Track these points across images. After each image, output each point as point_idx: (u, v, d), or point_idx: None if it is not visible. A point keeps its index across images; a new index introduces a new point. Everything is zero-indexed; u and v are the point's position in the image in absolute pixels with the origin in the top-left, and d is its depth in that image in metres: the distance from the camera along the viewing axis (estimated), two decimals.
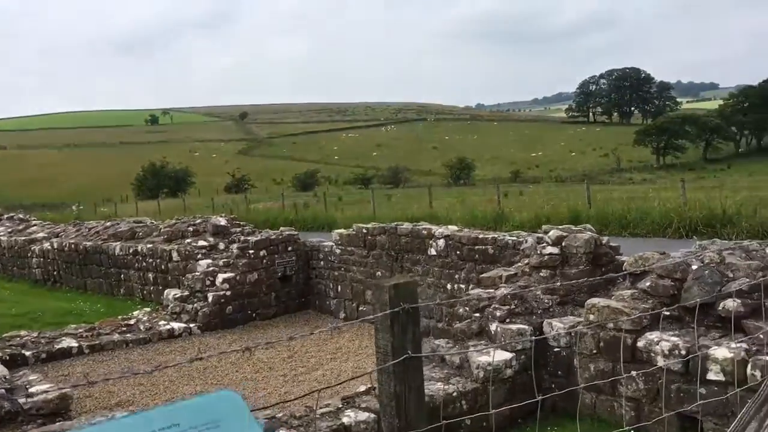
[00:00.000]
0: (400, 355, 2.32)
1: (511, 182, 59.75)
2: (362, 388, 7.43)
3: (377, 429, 6.50)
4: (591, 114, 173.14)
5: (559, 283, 8.03)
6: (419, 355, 2.36)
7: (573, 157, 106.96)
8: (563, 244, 8.53)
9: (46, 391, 8.09)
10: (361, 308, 13.13)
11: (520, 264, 9.13)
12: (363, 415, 6.61)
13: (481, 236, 11.01)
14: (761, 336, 5.62)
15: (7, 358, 10.49)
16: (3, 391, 8.03)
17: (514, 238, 10.43)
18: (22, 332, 11.95)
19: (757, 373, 5.28)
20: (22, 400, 7.83)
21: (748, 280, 6.15)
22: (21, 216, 25.80)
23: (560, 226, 9.08)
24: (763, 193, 19.86)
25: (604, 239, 8.99)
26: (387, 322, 2.32)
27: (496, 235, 10.93)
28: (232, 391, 1.63)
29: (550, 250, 8.55)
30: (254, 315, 13.67)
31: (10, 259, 20.87)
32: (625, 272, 7.43)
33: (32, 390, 8.21)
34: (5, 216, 25.85)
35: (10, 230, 22.81)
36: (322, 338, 12.14)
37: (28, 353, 10.89)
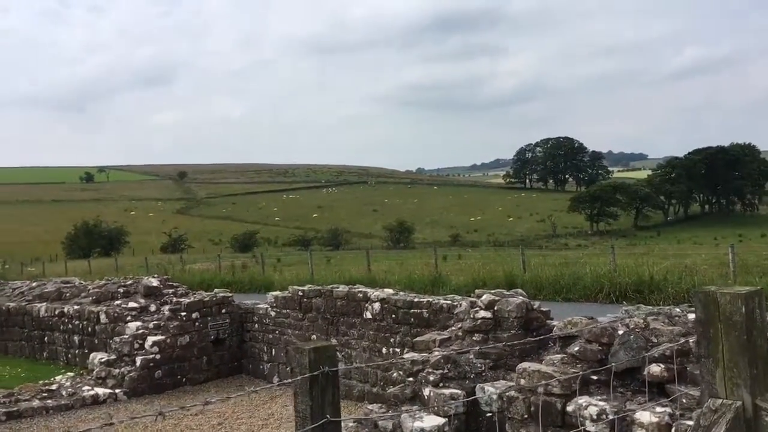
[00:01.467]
0: (319, 419, 2.29)
1: (450, 246, 60.46)
2: None
3: None
4: (528, 180, 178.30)
5: (492, 345, 8.09)
6: (338, 419, 2.34)
7: (510, 222, 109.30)
8: (495, 308, 8.63)
9: None
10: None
11: (453, 328, 9.17)
12: None
13: (416, 300, 11.04)
14: (684, 400, 5.76)
15: None
16: None
17: (449, 302, 10.50)
18: None
19: None
20: None
21: (671, 345, 6.33)
22: None
23: (493, 291, 9.20)
24: (689, 260, 20.63)
25: (536, 304, 9.13)
26: (306, 385, 2.30)
27: (431, 299, 10.98)
28: None
29: (482, 314, 8.64)
30: (184, 380, 13.23)
31: None
32: (554, 335, 7.55)
33: None
34: None
35: None
36: (254, 404, 11.82)
37: None
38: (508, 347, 8.16)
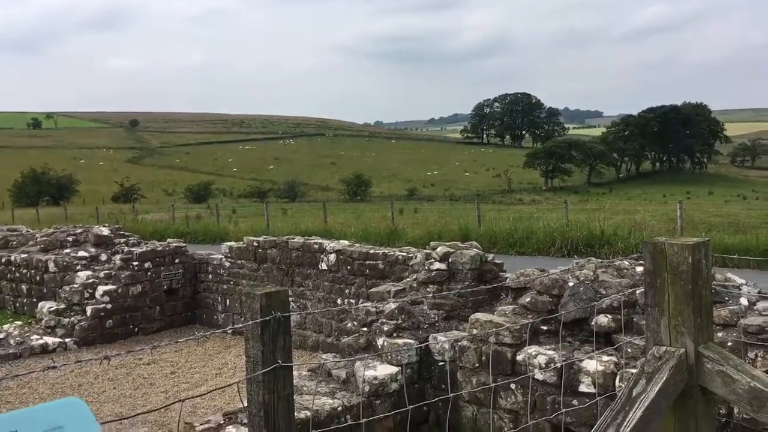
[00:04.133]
0: (270, 364, 2.28)
1: (407, 200, 60.63)
2: (246, 403, 7.27)
3: None
4: (485, 136, 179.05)
5: (445, 294, 8.19)
6: (289, 365, 2.33)
7: (467, 177, 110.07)
8: (450, 260, 8.71)
9: None
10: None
11: (409, 279, 9.25)
12: (244, 431, 6.46)
13: (372, 252, 11.08)
14: (629, 350, 5.94)
15: None
16: None
17: (404, 254, 10.57)
18: None
19: (624, 386, 5.57)
20: None
21: (618, 296, 6.50)
22: None
23: (448, 243, 9.27)
24: (639, 216, 21.11)
25: (490, 256, 9.25)
26: (258, 330, 2.28)
27: (386, 251, 11.04)
28: (77, 398, 1.54)
29: (437, 266, 8.71)
30: (137, 329, 13.12)
31: None
32: (507, 286, 7.68)
33: None
34: None
35: None
36: (208, 353, 11.81)
37: None
38: (461, 298, 8.27)
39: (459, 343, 7.14)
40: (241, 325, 2.23)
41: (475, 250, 8.91)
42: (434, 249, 8.99)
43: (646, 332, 3.41)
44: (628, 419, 2.42)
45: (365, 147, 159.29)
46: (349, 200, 64.05)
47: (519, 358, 6.53)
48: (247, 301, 2.31)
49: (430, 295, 8.36)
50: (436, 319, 8.16)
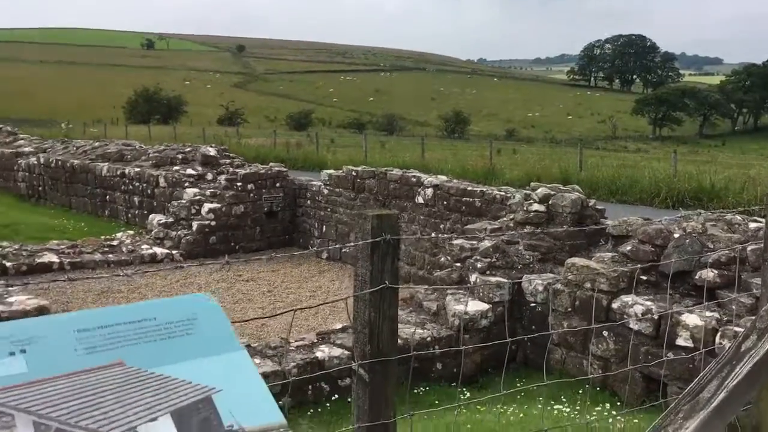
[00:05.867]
0: (378, 284, 2.34)
1: (505, 140, 59.55)
2: (338, 326, 7.54)
3: (349, 365, 6.61)
4: (593, 78, 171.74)
5: (542, 238, 8.10)
6: (396, 287, 2.38)
7: (570, 121, 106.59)
8: (550, 202, 8.56)
9: (24, 301, 8.14)
10: (344, 250, 13.21)
11: (505, 219, 9.18)
12: (336, 351, 6.72)
13: (469, 188, 11.02)
14: (733, 307, 5.72)
15: None
16: None
17: (502, 193, 10.46)
18: (4, 243, 11.93)
19: (726, 343, 5.39)
20: (1, 307, 7.88)
21: (727, 252, 6.23)
22: (9, 129, 25.45)
23: (548, 185, 9.10)
24: (753, 171, 19.95)
25: (591, 202, 9.03)
26: (368, 250, 2.33)
27: (484, 189, 10.95)
28: (204, 294, 1.64)
29: (536, 207, 8.59)
30: (237, 247, 13.71)
31: None
32: (607, 233, 7.50)
33: (10, 299, 8.25)
34: None
35: None
36: (303, 276, 12.24)
37: (8, 264, 10.90)
38: (558, 241, 8.15)
39: (553, 286, 7.08)
40: (352, 243, 2.28)
41: (577, 193, 8.71)
42: (534, 190, 8.85)
43: (762, 288, 3.26)
44: (734, 373, 2.35)
45: (466, 84, 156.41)
46: (447, 137, 63.53)
47: (614, 305, 6.43)
48: (359, 222, 2.37)
49: (527, 236, 8.28)
50: (531, 260, 8.10)
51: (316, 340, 7.01)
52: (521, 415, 4.91)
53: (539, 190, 8.71)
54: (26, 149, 20.54)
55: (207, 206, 13.45)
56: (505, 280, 7.61)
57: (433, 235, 11.10)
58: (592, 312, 6.49)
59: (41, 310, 7.97)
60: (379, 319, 2.36)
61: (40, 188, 18.68)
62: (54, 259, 11.46)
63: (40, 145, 21.10)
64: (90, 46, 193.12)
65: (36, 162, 18.86)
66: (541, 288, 7.30)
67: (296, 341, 7.00)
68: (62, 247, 12.22)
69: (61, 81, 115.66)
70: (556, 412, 4.90)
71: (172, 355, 1.47)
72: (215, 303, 1.62)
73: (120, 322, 1.48)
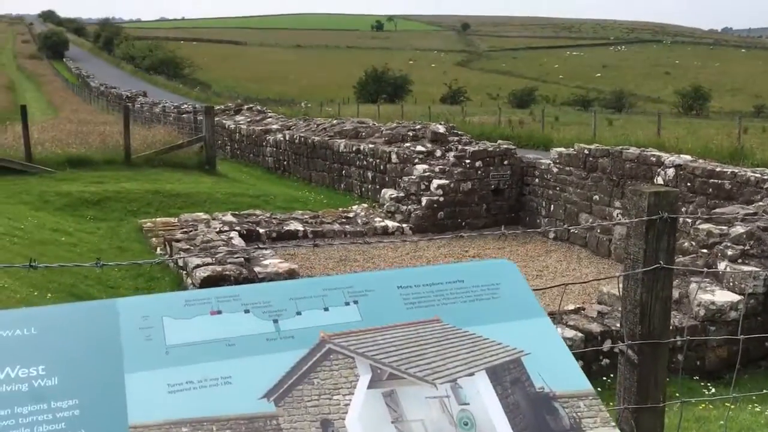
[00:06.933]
0: (652, 263, 2.26)
1: (753, 117, 53.77)
2: (570, 307, 7.40)
3: (583, 348, 6.47)
4: None
5: None
6: (671, 267, 2.29)
7: None
8: None
9: (277, 264, 9.00)
10: (572, 230, 12.88)
11: (761, 203, 8.34)
12: (569, 333, 6.61)
13: (717, 169, 10.15)
14: None
15: (245, 232, 11.75)
16: (242, 259, 9.07)
17: (758, 175, 9.50)
18: (257, 212, 13.27)
19: None
20: (257, 269, 8.80)
21: None
22: (259, 108, 28.10)
23: None
24: None
25: None
26: (642, 228, 2.26)
27: (736, 170, 10.02)
28: (508, 261, 1.71)
29: None
30: (464, 223, 13.94)
31: (247, 146, 23.01)
32: None
33: (265, 262, 9.18)
34: (245, 107, 28.31)
35: (248, 120, 25.02)
36: (529, 255, 12.14)
37: (261, 230, 12.10)
38: None
39: None
40: (626, 220, 2.24)
41: None
42: None
43: None
44: None
45: (708, 56, 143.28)
46: (684, 114, 58.90)
47: None
48: (633, 198, 2.30)
49: None
50: None
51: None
52: None
53: None
54: (273, 126, 22.55)
55: (436, 182, 13.82)
56: (761, 271, 6.94)
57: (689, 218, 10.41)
58: None
59: (291, 273, 8.77)
60: (652, 300, 2.29)
61: (285, 162, 20.43)
62: (299, 227, 12.51)
63: (285, 123, 23.04)
64: (326, 30, 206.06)
65: (282, 138, 20.63)
66: None
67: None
68: (306, 216, 13.29)
69: (301, 64, 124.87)
70: None
71: (481, 316, 1.56)
72: (517, 270, 1.69)
73: (435, 282, 1.60)
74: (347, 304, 1.53)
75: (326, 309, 1.52)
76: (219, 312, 1.47)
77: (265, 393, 1.34)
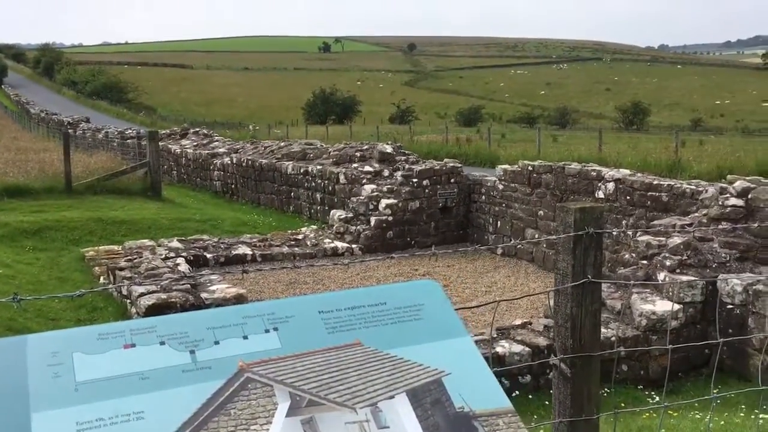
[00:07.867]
0: (580, 278, 2.30)
1: (690, 131, 55.64)
2: (518, 322, 7.48)
3: (530, 362, 6.54)
4: None
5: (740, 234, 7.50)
6: (599, 281, 2.33)
7: (765, 108, 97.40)
8: (750, 196, 7.91)
9: (224, 290, 8.87)
10: (519, 247, 13.05)
11: (697, 214, 8.61)
12: (517, 348, 6.67)
13: (655, 182, 10.44)
14: None
15: (192, 258, 11.56)
16: (188, 286, 8.91)
17: (693, 187, 9.80)
18: (205, 236, 13.08)
19: None
20: (204, 295, 8.65)
21: None
22: (205, 131, 27.82)
23: (748, 177, 8.41)
24: None
25: None
26: (570, 244, 2.30)
27: (672, 183, 10.33)
28: (432, 281, 1.72)
29: (733, 201, 7.97)
30: (413, 242, 14.00)
31: (194, 171, 22.72)
32: None
33: (212, 288, 9.03)
34: (191, 131, 28.00)
35: (195, 144, 24.73)
36: (478, 271, 12.25)
37: (209, 255, 11.92)
38: (759, 239, 7.51)
39: (754, 287, 6.54)
40: (554, 237, 2.28)
41: None
42: (731, 183, 8.22)
43: None
44: None
45: (646, 72, 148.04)
46: (624, 129, 60.57)
47: None
48: (560, 215, 2.34)
49: (722, 232, 7.71)
50: (728, 258, 7.54)
51: (495, 336, 7.01)
52: (721, 422, 4.59)
53: (737, 184, 8.07)
54: (220, 150, 22.34)
55: (384, 202, 13.86)
56: (698, 280, 7.15)
57: (614, 232, 10.66)
58: None
59: (239, 299, 8.65)
60: (582, 314, 2.33)
61: (233, 186, 20.23)
62: (247, 251, 12.37)
63: (232, 146, 22.84)
64: (273, 52, 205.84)
65: (229, 162, 20.45)
66: (739, 289, 6.77)
67: (474, 336, 7.04)
68: (254, 240, 13.16)
69: (248, 87, 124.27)
70: (761, 421, 4.52)
71: (402, 338, 1.56)
72: (440, 290, 1.69)
73: (357, 305, 1.59)
74: (267, 331, 1.51)
75: (245, 337, 1.50)
76: (133, 345, 1.43)
77: (179, 426, 1.31)
